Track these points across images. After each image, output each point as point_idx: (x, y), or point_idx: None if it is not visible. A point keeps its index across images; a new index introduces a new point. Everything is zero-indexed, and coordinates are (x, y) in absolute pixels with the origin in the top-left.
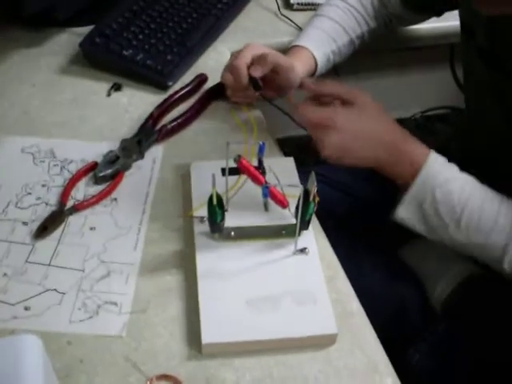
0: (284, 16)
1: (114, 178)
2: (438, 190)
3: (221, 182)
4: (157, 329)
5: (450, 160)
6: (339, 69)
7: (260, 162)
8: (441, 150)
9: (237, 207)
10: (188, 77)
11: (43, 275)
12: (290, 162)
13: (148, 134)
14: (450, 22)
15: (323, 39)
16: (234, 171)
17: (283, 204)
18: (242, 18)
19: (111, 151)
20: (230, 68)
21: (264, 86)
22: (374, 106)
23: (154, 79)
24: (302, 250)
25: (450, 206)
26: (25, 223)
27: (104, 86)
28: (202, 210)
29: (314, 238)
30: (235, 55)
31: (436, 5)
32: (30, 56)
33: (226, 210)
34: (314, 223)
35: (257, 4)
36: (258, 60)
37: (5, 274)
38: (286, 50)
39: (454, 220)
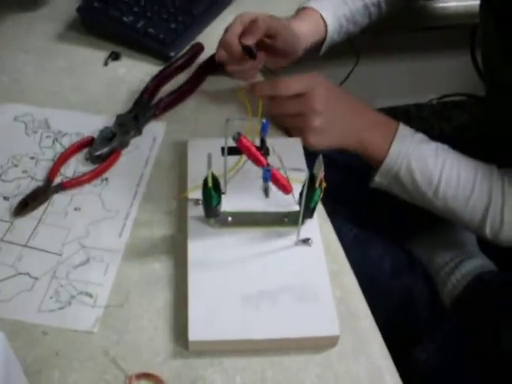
0: None
1: (110, 156)
2: (412, 158)
3: (220, 162)
4: (140, 321)
5: (467, 148)
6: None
7: (263, 141)
8: (457, 138)
9: (236, 190)
10: None
11: (17, 257)
12: (296, 143)
13: (145, 108)
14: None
15: (335, 1)
16: (234, 151)
17: (286, 189)
18: None
19: (107, 127)
20: (222, 44)
21: (265, 54)
22: (339, 88)
23: (155, 49)
24: (305, 241)
25: (426, 174)
26: (6, 198)
27: (101, 55)
28: (197, 192)
29: (318, 227)
30: (226, 29)
31: None
32: (25, 21)
33: (224, 193)
34: (320, 211)
35: None
36: (249, 28)
37: None
38: None
39: (432, 188)
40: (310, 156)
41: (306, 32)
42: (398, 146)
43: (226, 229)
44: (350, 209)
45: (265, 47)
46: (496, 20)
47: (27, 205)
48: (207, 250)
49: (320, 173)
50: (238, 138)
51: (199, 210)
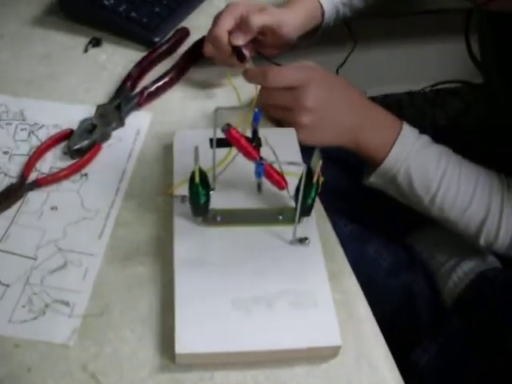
0: None
1: (90, 149)
2: (412, 163)
3: (209, 155)
4: (122, 331)
5: (461, 137)
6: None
7: (255, 132)
8: (452, 128)
9: (225, 186)
10: None
11: None
12: (290, 134)
13: (127, 97)
14: None
15: None
16: (224, 143)
17: (281, 185)
18: None
19: (87, 119)
20: (210, 38)
21: (257, 46)
22: (337, 81)
23: (138, 34)
24: (302, 240)
25: (425, 181)
26: None
27: (81, 41)
28: (184, 188)
29: (315, 225)
30: (215, 20)
31: None
32: None
33: (212, 189)
34: (317, 207)
35: None
36: (240, 24)
37: None
38: None
39: (429, 195)
40: (304, 148)
41: (302, 21)
42: (399, 148)
43: (216, 228)
44: (346, 203)
45: (257, 41)
46: (492, 27)
47: None
48: (195, 251)
49: (318, 167)
50: (227, 129)
51: (186, 208)
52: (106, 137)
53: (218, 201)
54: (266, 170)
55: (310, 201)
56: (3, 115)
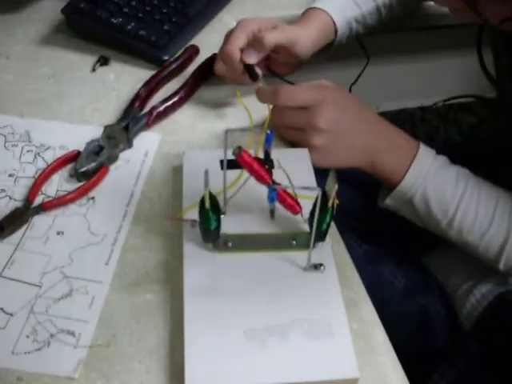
0: None
1: (97, 172)
2: (429, 186)
3: (219, 177)
4: (130, 363)
5: (476, 153)
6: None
7: (267, 154)
8: (466, 142)
9: (236, 210)
10: None
11: None
12: (303, 155)
13: (136, 118)
14: None
15: (346, 3)
16: (235, 164)
17: (294, 210)
18: None
19: (94, 140)
20: (221, 55)
21: (269, 64)
22: (352, 101)
23: (147, 52)
24: (317, 267)
25: (442, 204)
26: None
27: (89, 60)
28: (193, 212)
29: (331, 251)
30: (227, 37)
31: None
32: (5, 24)
33: (223, 214)
34: (332, 231)
35: None
36: (253, 42)
37: None
38: None
39: (447, 219)
40: (319, 169)
41: (315, 39)
42: (416, 171)
43: (227, 254)
44: (359, 223)
45: (268, 59)
46: (506, 43)
47: (3, 229)
48: (205, 278)
49: (333, 190)
50: (238, 153)
51: (196, 233)
52: (113, 159)
53: (229, 225)
54: (279, 195)
55: (325, 226)
56: (9, 136)
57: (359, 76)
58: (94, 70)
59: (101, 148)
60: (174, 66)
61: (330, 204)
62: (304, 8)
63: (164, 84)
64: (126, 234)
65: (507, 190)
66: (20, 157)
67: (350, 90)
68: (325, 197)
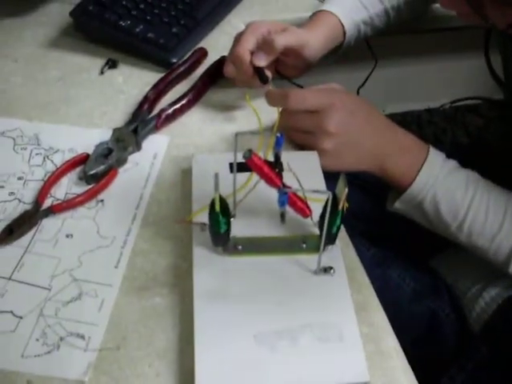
0: None
1: (106, 175)
2: (439, 189)
3: (229, 180)
4: (140, 367)
5: (483, 155)
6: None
7: (277, 157)
8: (472, 144)
9: (246, 213)
10: None
11: (0, 292)
12: (313, 158)
13: (144, 120)
14: None
15: (353, 5)
16: (244, 167)
17: (305, 213)
18: None
19: (103, 143)
20: (232, 58)
21: (278, 67)
22: (361, 105)
23: (156, 55)
24: (327, 270)
25: (452, 207)
26: None
27: (97, 63)
28: (203, 215)
29: (341, 254)
30: (237, 40)
31: None
32: (13, 27)
33: (233, 217)
34: (341, 234)
35: None
36: (263, 45)
37: None
38: None
39: (457, 222)
40: (327, 172)
41: (324, 42)
42: (426, 174)
43: (237, 257)
44: (367, 225)
45: (277, 61)
46: None
47: (12, 232)
48: (215, 282)
49: (343, 194)
50: (248, 156)
51: (206, 236)
52: (122, 161)
53: (239, 228)
54: (289, 198)
55: (335, 229)
56: (18, 140)
57: (367, 79)
58: (102, 72)
59: (110, 151)
60: (182, 68)
61: (340, 207)
62: (312, 10)
63: (172, 87)
64: (135, 237)
65: None
66: (29, 160)
67: (358, 93)
68: (335, 200)
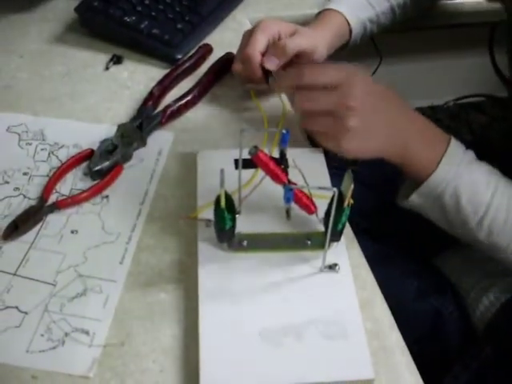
0: None
1: (111, 171)
2: (461, 181)
3: (234, 176)
4: (144, 362)
5: (486, 152)
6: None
7: (282, 154)
8: (477, 141)
9: (251, 209)
10: None
11: (5, 287)
12: (318, 155)
13: (149, 116)
14: None
15: (360, 3)
16: (249, 163)
17: (310, 210)
18: None
19: (107, 139)
20: (242, 57)
21: (284, 68)
22: (378, 84)
23: (161, 51)
24: (332, 267)
25: (474, 201)
26: None
27: (102, 58)
28: (208, 211)
29: (346, 251)
30: (246, 38)
31: None
32: (19, 23)
33: (238, 213)
34: (346, 231)
35: None
36: (275, 48)
37: None
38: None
39: (477, 217)
40: (332, 170)
41: (331, 42)
42: (448, 163)
43: (242, 253)
44: (370, 222)
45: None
46: None
47: (17, 227)
48: (220, 278)
49: (349, 191)
50: (254, 152)
51: (211, 232)
52: (127, 157)
53: (244, 225)
54: (294, 194)
55: (340, 226)
56: (23, 135)
57: (371, 76)
58: (107, 68)
59: (114, 147)
60: (187, 64)
61: (345, 204)
62: (316, 7)
63: (177, 83)
64: (140, 233)
65: None
66: (34, 155)
67: None
68: (340, 197)
